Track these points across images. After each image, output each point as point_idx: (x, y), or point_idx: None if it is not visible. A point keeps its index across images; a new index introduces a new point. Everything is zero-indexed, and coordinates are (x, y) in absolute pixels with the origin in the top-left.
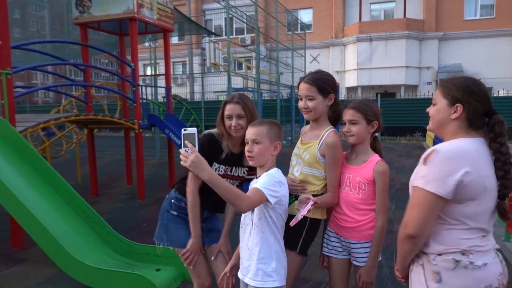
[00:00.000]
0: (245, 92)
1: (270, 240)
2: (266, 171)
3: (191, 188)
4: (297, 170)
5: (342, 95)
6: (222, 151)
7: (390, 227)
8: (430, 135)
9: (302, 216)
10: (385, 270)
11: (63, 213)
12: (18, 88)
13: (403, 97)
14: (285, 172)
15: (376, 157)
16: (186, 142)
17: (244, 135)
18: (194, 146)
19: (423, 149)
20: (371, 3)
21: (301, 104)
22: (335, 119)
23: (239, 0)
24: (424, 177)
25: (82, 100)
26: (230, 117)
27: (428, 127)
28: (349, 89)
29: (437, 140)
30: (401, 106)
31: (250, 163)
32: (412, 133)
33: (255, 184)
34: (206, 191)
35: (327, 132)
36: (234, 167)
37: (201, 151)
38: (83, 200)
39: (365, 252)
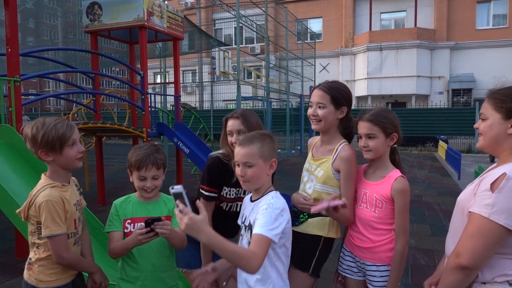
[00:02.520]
0: (254, 101)
1: (273, 276)
2: (263, 195)
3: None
4: (309, 187)
5: (352, 105)
6: (232, 174)
7: None
8: (442, 145)
9: (327, 207)
10: None
11: None
12: (30, 95)
13: (414, 107)
14: (294, 182)
15: (395, 173)
16: (177, 202)
17: None
18: (186, 205)
19: (436, 160)
20: (381, 13)
21: (310, 111)
22: (346, 137)
23: (249, 9)
24: (491, 206)
25: (91, 108)
26: (231, 133)
27: (478, 145)
28: (359, 99)
29: (450, 151)
30: (412, 115)
31: (244, 187)
32: (423, 143)
33: (254, 226)
34: (221, 217)
35: (341, 146)
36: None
37: (209, 178)
38: (89, 210)
39: (381, 276)
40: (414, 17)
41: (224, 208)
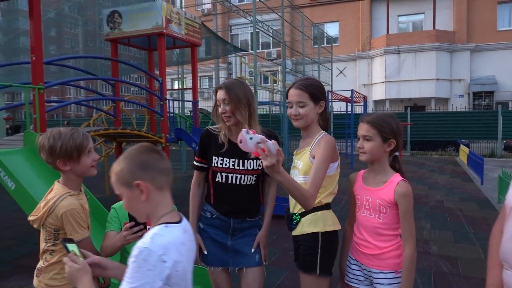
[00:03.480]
0: (271, 105)
1: None
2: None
3: (193, 181)
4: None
5: (370, 108)
6: (222, 144)
7: (426, 248)
8: (464, 150)
9: (254, 144)
10: None
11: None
12: (52, 102)
13: (433, 110)
14: None
15: (397, 177)
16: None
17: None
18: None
19: (457, 164)
20: (398, 16)
21: (290, 111)
22: (325, 128)
23: (266, 14)
24: None
25: (112, 114)
26: (219, 104)
27: None
28: (377, 102)
29: (472, 156)
30: (432, 119)
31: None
32: (444, 148)
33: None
34: (223, 193)
35: (320, 136)
36: (242, 160)
37: (199, 148)
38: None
39: (389, 284)
40: (432, 19)
41: (221, 181)
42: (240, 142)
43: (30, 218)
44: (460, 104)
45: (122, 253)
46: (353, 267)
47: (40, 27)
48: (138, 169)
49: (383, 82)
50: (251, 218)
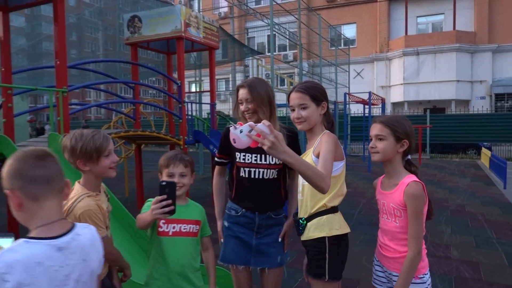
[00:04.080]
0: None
1: None
2: None
3: (215, 172)
4: (301, 184)
5: (388, 111)
6: None
7: (447, 253)
8: (485, 153)
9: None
10: None
11: (111, 227)
12: (74, 105)
13: (454, 113)
14: None
15: (408, 179)
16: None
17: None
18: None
19: (478, 167)
20: (417, 16)
21: (293, 115)
22: (330, 130)
23: (282, 17)
24: None
25: (131, 117)
26: (241, 102)
27: None
28: (395, 104)
29: (494, 159)
30: (453, 122)
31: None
32: (464, 151)
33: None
34: (246, 188)
35: (322, 134)
36: (264, 155)
37: (220, 146)
38: (131, 215)
39: None
40: (452, 20)
41: (244, 175)
42: (234, 142)
43: None
44: (481, 106)
45: (153, 229)
46: (377, 268)
47: (64, 32)
48: (10, 177)
49: (401, 84)
50: (275, 215)
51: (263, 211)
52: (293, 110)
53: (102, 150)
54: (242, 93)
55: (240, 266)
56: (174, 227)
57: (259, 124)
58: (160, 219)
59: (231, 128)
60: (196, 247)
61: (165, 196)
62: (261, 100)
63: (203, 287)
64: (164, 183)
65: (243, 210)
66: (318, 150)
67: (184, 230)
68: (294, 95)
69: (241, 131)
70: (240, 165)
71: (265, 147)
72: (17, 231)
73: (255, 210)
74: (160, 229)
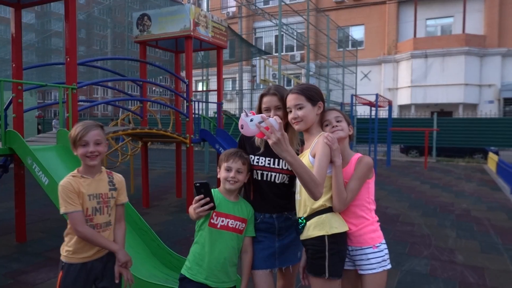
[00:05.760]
0: None
1: None
2: None
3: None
4: (298, 184)
5: (395, 113)
6: (258, 147)
7: (451, 257)
8: (492, 157)
9: (259, 124)
10: None
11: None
12: (81, 102)
13: (461, 116)
14: None
15: (358, 155)
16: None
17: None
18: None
19: (485, 172)
20: (426, 19)
21: (290, 116)
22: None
23: (290, 17)
24: None
25: (139, 114)
26: (268, 109)
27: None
28: (402, 107)
29: (501, 164)
30: (460, 125)
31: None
32: (471, 155)
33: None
34: (260, 191)
35: (319, 135)
36: (278, 159)
37: (239, 145)
38: (136, 212)
39: (368, 259)
40: (462, 23)
41: (257, 178)
42: (242, 128)
43: None
44: (489, 110)
45: (206, 218)
46: None
47: (75, 30)
48: None
49: (409, 86)
50: (292, 215)
51: (279, 211)
52: (290, 111)
53: (77, 139)
54: (271, 100)
55: (266, 269)
56: (222, 221)
57: (271, 118)
58: (213, 212)
59: (242, 115)
60: (239, 243)
61: (202, 196)
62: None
63: (237, 281)
64: (198, 184)
65: (261, 216)
66: (315, 151)
67: (231, 226)
68: (290, 97)
69: (251, 120)
70: (253, 167)
71: (270, 141)
72: (23, 224)
73: (273, 212)
74: (212, 220)
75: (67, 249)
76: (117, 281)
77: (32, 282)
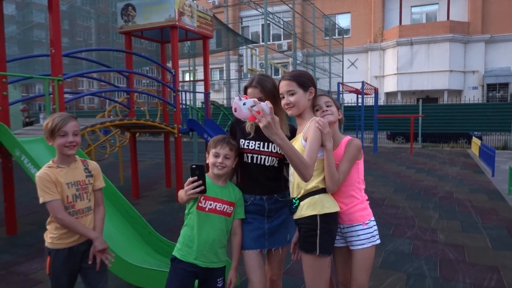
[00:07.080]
0: None
1: None
2: None
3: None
4: (291, 168)
5: (381, 101)
6: (249, 133)
7: (433, 236)
8: (476, 142)
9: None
10: (428, 280)
11: (109, 213)
12: (66, 94)
13: (446, 103)
14: None
15: (347, 138)
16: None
17: None
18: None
19: (468, 156)
20: (412, 6)
21: (283, 102)
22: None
23: (277, 6)
24: None
25: (126, 106)
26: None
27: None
28: (388, 94)
29: (483, 148)
30: (445, 111)
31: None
32: (456, 140)
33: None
34: (250, 174)
35: (312, 119)
36: (267, 143)
37: (230, 132)
38: (127, 201)
39: (358, 236)
40: (446, 10)
41: (247, 161)
42: (235, 111)
43: None
44: (473, 96)
45: (194, 202)
46: None
47: (59, 21)
48: None
49: (395, 74)
50: (282, 197)
51: (269, 193)
52: (283, 97)
53: (56, 130)
54: (253, 92)
55: (256, 250)
56: (210, 204)
57: (262, 103)
58: (201, 195)
59: (236, 98)
60: (227, 225)
61: (196, 178)
62: (272, 96)
63: (226, 262)
64: (194, 166)
65: (251, 198)
66: (307, 135)
67: (219, 209)
68: (282, 83)
69: (244, 104)
70: (243, 151)
71: (261, 124)
72: (14, 221)
73: (263, 193)
74: (200, 204)
75: (51, 236)
76: (97, 269)
77: (25, 272)
